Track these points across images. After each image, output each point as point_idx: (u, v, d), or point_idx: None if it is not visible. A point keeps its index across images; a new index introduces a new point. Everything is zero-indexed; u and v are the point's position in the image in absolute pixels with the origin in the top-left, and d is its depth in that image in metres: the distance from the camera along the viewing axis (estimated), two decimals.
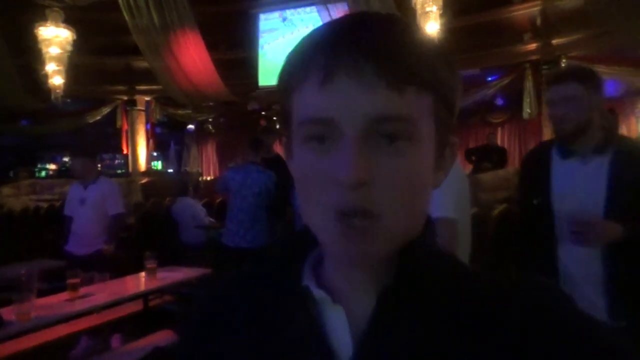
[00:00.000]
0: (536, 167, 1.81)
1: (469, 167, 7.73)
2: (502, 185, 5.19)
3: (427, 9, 6.36)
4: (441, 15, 6.49)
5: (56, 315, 2.54)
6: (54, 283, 3.42)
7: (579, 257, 1.60)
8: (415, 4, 6.42)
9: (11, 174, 10.94)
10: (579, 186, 1.63)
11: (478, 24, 7.91)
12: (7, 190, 8.54)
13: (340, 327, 0.45)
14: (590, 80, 1.65)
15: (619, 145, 1.64)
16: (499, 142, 9.72)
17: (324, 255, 0.49)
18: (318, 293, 0.46)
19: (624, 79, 6.94)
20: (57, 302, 2.73)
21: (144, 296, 3.37)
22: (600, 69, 6.78)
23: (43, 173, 11.54)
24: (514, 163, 8.83)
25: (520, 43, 8.00)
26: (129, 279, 3.41)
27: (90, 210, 3.76)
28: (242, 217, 3.69)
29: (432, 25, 6.35)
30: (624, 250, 1.54)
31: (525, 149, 9.33)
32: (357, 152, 0.39)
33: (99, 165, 4.13)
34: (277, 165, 4.06)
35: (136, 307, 3.44)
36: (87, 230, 3.75)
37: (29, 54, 8.13)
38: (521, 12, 7.82)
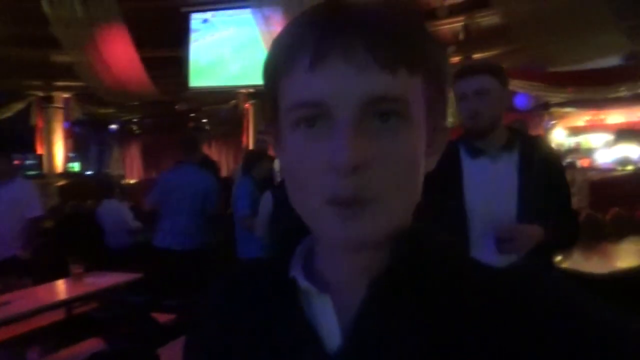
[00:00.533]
0: (446, 168, 1.71)
1: None
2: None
3: None
4: None
5: None
6: None
7: (493, 259, 1.44)
8: None
9: None
10: (491, 185, 1.57)
11: None
12: None
13: (328, 317, 0.44)
14: (502, 74, 1.61)
15: (525, 142, 1.62)
16: None
17: (315, 244, 0.48)
18: (304, 284, 0.45)
19: (533, 93, 7.57)
20: None
21: (69, 303, 3.17)
22: (513, 83, 7.37)
23: None
24: None
25: None
26: (53, 286, 3.19)
27: (4, 213, 3.48)
28: (176, 219, 3.56)
29: None
30: (540, 252, 1.50)
31: None
32: (351, 136, 0.38)
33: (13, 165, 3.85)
34: (207, 166, 4.00)
35: (57, 316, 3.22)
36: (0, 233, 3.46)
37: None
38: (446, 27, 8.28)
